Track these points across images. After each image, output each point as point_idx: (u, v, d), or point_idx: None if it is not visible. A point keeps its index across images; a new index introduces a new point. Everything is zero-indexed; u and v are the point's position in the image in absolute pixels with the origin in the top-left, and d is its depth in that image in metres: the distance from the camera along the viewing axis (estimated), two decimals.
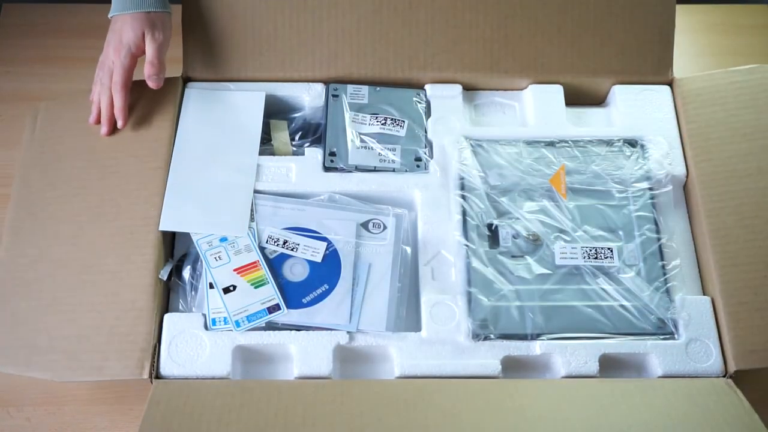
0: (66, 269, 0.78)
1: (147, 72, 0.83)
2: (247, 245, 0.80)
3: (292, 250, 0.80)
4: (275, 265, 0.80)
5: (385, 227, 0.82)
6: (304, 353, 0.76)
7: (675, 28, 0.91)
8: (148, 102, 0.87)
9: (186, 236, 0.83)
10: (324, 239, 0.81)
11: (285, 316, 0.77)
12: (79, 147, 0.85)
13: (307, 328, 0.77)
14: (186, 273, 0.80)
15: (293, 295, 0.78)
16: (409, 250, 0.82)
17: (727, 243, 0.81)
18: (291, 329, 0.77)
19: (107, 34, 0.84)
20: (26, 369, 0.74)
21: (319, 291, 0.79)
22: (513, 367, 0.78)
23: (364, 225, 0.82)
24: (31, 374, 0.74)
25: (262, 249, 0.80)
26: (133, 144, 0.84)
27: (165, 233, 0.81)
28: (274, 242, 0.81)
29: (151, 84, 0.84)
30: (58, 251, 0.79)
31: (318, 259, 0.80)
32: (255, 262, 0.79)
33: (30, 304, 0.76)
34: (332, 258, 0.80)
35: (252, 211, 0.82)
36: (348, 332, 0.77)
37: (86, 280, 0.77)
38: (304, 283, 0.79)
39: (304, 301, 0.78)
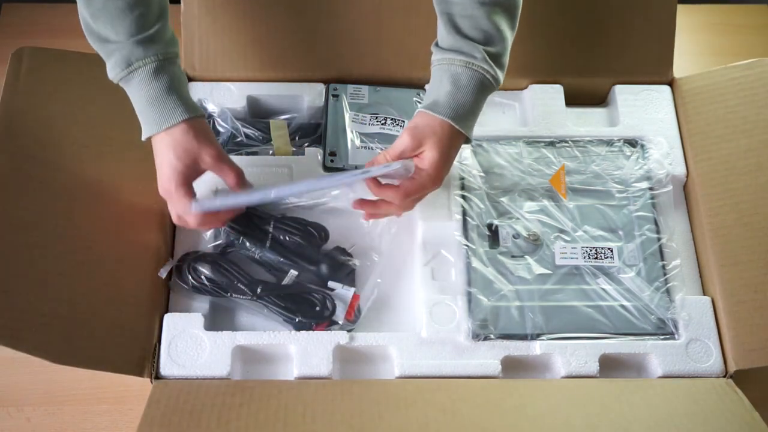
0: (61, 244, 0.75)
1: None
2: None
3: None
4: None
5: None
6: (304, 353, 0.76)
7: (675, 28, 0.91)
8: None
9: (186, 236, 0.83)
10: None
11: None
12: (72, 113, 0.81)
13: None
14: (188, 274, 0.80)
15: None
16: None
17: (727, 242, 0.81)
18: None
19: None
20: (17, 343, 0.68)
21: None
22: (513, 367, 0.78)
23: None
24: (22, 351, 0.68)
25: None
26: (137, 132, 0.83)
27: (167, 232, 0.81)
28: None
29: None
30: (51, 221, 0.75)
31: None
32: None
33: (17, 271, 0.72)
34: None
35: None
36: (348, 332, 0.77)
37: (83, 261, 0.75)
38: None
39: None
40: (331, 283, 0.80)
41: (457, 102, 0.72)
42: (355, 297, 0.79)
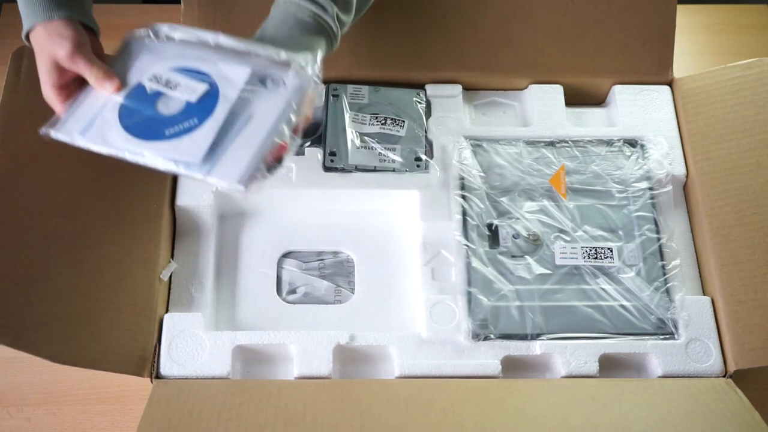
0: (61, 243, 0.75)
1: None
2: None
3: (171, 89, 0.72)
4: (150, 98, 0.72)
5: (284, 84, 0.72)
6: (304, 353, 0.76)
7: (675, 28, 0.91)
8: None
9: (186, 234, 0.83)
10: (207, 79, 0.72)
11: (132, 144, 0.69)
12: None
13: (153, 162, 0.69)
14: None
15: (157, 127, 0.70)
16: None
17: (727, 242, 0.81)
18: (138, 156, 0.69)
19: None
20: (16, 342, 0.69)
21: (185, 124, 0.70)
22: (513, 367, 0.78)
23: (261, 79, 0.72)
24: (23, 350, 0.68)
25: (141, 86, 0.72)
26: None
27: (168, 232, 0.81)
28: (156, 80, 0.73)
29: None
30: (52, 221, 0.75)
31: (194, 99, 0.72)
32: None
33: (18, 271, 0.72)
34: (210, 98, 0.72)
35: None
36: (348, 332, 0.77)
37: (84, 261, 0.75)
38: (173, 117, 0.71)
39: (167, 133, 0.70)
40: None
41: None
42: (282, 147, 0.70)
